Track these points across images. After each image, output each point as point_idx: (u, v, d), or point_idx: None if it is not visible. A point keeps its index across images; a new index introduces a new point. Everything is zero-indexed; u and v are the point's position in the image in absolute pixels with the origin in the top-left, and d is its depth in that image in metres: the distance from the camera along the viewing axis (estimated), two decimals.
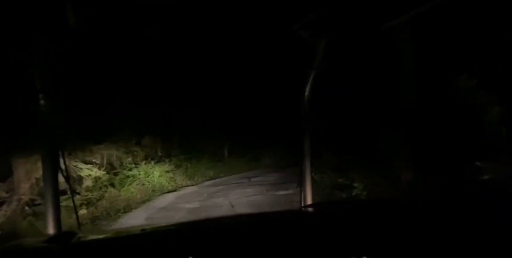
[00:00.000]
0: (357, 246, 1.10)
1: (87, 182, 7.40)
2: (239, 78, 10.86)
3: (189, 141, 12.58)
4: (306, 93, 2.11)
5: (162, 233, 1.58)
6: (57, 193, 1.86)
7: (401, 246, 1.08)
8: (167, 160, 11.11)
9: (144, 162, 10.25)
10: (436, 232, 1.11)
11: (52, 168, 1.85)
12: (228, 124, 14.31)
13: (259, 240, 1.18)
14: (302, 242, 1.15)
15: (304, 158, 2.05)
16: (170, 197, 8.86)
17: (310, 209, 2.07)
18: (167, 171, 10.36)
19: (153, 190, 9.12)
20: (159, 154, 11.56)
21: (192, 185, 10.70)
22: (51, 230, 1.81)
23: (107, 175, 8.10)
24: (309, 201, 2.01)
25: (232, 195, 8.47)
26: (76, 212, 1.97)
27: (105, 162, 8.77)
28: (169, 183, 10.03)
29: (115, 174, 8.73)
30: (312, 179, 2.14)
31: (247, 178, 11.30)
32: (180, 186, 10.40)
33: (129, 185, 8.57)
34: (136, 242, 1.36)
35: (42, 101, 1.84)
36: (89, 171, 7.54)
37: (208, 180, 11.78)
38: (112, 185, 8.19)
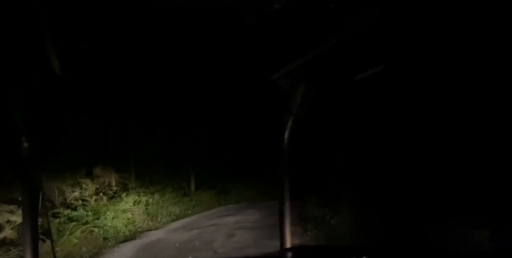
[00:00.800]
0: None
1: (6, 233, 5.57)
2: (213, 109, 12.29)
3: (149, 171, 12.60)
4: (286, 137, 2.53)
5: None
6: (37, 234, 2.15)
7: None
8: (123, 194, 10.79)
9: (94, 198, 9.75)
10: None
11: (31, 204, 2.15)
12: (194, 153, 14.80)
13: None
14: None
15: (284, 199, 2.45)
16: (128, 250, 7.36)
17: (289, 253, 2.40)
18: (124, 211, 9.90)
19: (105, 238, 8.08)
20: (114, 187, 11.17)
21: (156, 229, 10.00)
22: None
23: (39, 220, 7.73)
24: (288, 244, 2.38)
25: (215, 246, 7.02)
26: (53, 247, 2.23)
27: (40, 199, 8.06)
28: (126, 226, 9.42)
29: (54, 216, 7.56)
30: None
31: (222, 216, 11.22)
32: (140, 230, 9.73)
33: (70, 234, 7.30)
34: None
35: (25, 144, 2.14)
36: (8, 216, 5.67)
37: (174, 220, 11.41)
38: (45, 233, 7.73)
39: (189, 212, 12.78)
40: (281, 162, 2.66)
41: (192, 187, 14.80)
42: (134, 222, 9.98)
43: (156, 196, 12.07)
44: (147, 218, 10.81)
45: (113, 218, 9.20)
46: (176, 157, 13.74)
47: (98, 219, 8.69)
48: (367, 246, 2.42)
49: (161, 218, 11.34)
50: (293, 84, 2.61)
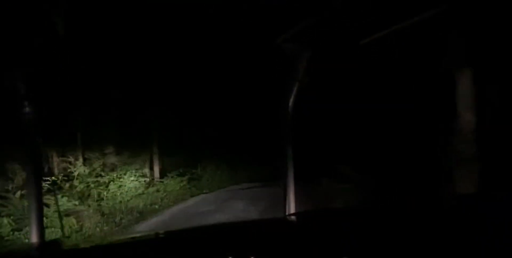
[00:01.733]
0: (340, 254, 1.53)
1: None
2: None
3: (102, 155, 12.67)
4: (290, 104, 2.96)
5: (149, 242, 2.17)
6: (41, 201, 2.56)
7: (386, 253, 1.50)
8: (67, 185, 10.17)
9: (19, 193, 8.03)
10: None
11: (35, 176, 2.50)
12: (159, 133, 14.81)
13: (244, 248, 1.67)
14: (286, 250, 1.64)
15: (287, 166, 2.90)
16: None
17: (293, 217, 2.85)
18: (62, 213, 8.72)
19: None
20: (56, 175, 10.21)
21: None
22: (34, 238, 2.45)
23: None
24: (292, 209, 2.85)
25: None
26: (61, 221, 2.61)
27: None
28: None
29: None
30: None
31: (200, 215, 10.56)
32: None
33: None
34: (122, 250, 1.92)
35: (27, 109, 2.48)
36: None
37: (138, 221, 10.42)
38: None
39: (156, 207, 11.78)
40: (285, 131, 3.08)
41: (157, 173, 14.21)
42: (81, 229, 8.19)
43: (113, 187, 11.19)
44: (101, 220, 9.30)
45: None
46: (138, 139, 13.42)
47: None
48: (368, 207, 2.87)
49: (121, 219, 10.01)
50: (298, 49, 3.00)
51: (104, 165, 12.00)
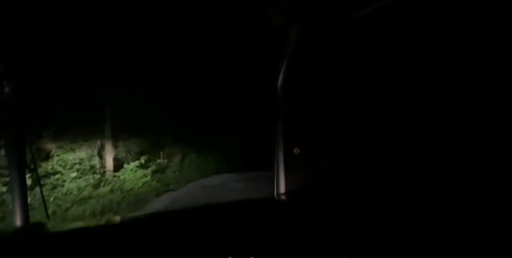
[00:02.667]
0: (331, 232, 1.58)
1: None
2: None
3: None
4: (279, 82, 2.88)
5: (130, 223, 2.17)
6: (25, 184, 2.51)
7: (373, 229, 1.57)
8: None
9: None
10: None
11: (18, 158, 2.46)
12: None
13: (236, 227, 1.70)
14: (278, 228, 1.67)
15: (278, 146, 2.84)
16: None
17: (284, 196, 2.83)
18: None
19: None
20: None
21: None
22: (18, 221, 2.43)
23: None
24: (282, 189, 2.81)
25: None
26: (45, 204, 2.59)
27: None
28: None
29: None
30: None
31: None
32: None
33: None
34: (105, 232, 1.95)
35: (6, 88, 2.42)
36: None
37: None
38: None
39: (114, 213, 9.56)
40: (276, 109, 3.01)
41: (110, 165, 10.43)
42: None
43: (44, 189, 8.14)
44: None
45: None
46: (88, 117, 10.03)
47: None
48: (355, 180, 2.85)
49: None
50: (288, 23, 2.89)
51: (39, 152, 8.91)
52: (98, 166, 9.93)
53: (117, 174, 10.17)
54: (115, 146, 10.69)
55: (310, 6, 2.86)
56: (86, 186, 8.91)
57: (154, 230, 1.82)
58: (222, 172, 16.33)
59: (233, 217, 1.94)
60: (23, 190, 2.55)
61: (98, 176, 9.62)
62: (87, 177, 9.17)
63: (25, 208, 2.53)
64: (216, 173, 16.37)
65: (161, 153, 12.76)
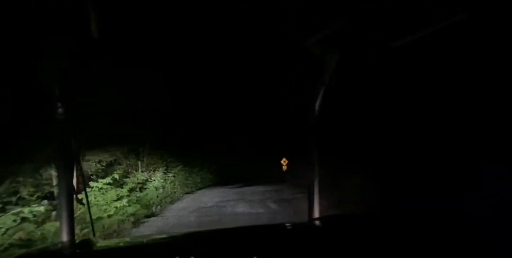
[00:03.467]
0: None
1: None
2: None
3: None
4: (316, 108, 2.94)
5: (180, 241, 2.25)
6: (72, 200, 2.61)
7: None
8: None
9: None
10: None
11: (67, 175, 2.58)
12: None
13: (269, 251, 1.73)
14: (310, 254, 1.70)
15: (313, 170, 2.89)
16: None
17: (317, 221, 2.85)
18: None
19: None
20: None
21: None
22: (64, 237, 2.53)
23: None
24: (316, 214, 2.84)
25: None
26: (91, 220, 2.70)
27: None
28: None
29: None
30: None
31: None
32: None
33: None
34: (155, 249, 2.03)
35: (60, 110, 2.56)
36: None
37: None
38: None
39: None
40: (310, 134, 3.07)
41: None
42: None
43: None
44: None
45: None
46: None
47: None
48: (391, 214, 2.86)
49: None
50: (326, 52, 2.98)
51: None
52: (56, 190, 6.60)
53: (80, 196, 6.97)
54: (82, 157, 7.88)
55: (348, 37, 2.95)
56: (19, 223, 5.47)
57: (195, 250, 1.87)
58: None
59: (266, 241, 1.95)
60: (70, 206, 2.67)
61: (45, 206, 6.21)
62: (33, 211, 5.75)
63: (72, 225, 2.64)
64: (203, 187, 17.03)
65: (140, 164, 11.30)
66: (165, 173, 13.53)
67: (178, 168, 15.35)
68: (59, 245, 2.56)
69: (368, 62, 3.41)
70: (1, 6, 2.64)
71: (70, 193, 2.66)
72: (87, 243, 2.38)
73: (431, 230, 1.92)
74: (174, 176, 14.33)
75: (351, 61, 3.13)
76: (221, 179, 20.69)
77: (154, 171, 13.03)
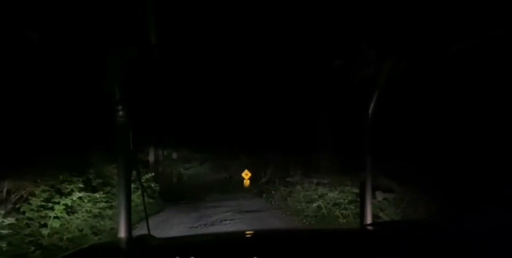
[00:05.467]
0: None
1: None
2: None
3: None
4: (370, 111, 2.91)
5: (240, 238, 2.26)
6: (129, 198, 2.70)
7: None
8: None
9: None
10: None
11: (125, 175, 2.67)
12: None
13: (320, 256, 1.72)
14: None
15: (365, 176, 2.84)
16: None
17: (370, 227, 2.80)
18: None
19: None
20: None
21: None
22: (122, 233, 2.61)
23: None
24: (369, 219, 2.79)
25: None
26: (147, 217, 2.78)
27: None
28: None
29: None
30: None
31: None
32: None
33: None
34: (215, 245, 2.05)
35: (120, 113, 2.64)
36: None
37: None
38: None
39: None
40: (364, 139, 3.03)
41: None
42: None
43: None
44: None
45: None
46: None
47: None
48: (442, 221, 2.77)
49: None
50: (380, 56, 2.94)
51: None
52: None
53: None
54: None
55: (404, 42, 2.90)
56: None
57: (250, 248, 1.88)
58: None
59: (320, 247, 1.91)
60: (128, 204, 2.76)
61: None
62: None
63: (129, 222, 2.73)
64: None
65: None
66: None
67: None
68: (118, 241, 2.65)
69: (422, 67, 3.35)
70: (66, 19, 2.77)
71: (128, 192, 2.75)
72: (144, 239, 2.44)
73: (492, 241, 1.85)
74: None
75: (405, 65, 3.07)
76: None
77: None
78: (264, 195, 16.14)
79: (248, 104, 12.80)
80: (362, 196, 3.03)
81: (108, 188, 9.66)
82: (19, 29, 2.63)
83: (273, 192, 15.13)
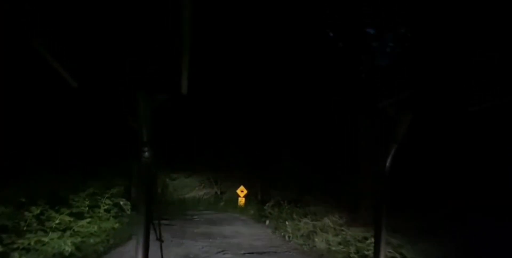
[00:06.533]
0: None
1: None
2: None
3: None
4: (387, 164, 2.97)
5: None
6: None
7: None
8: None
9: None
10: None
11: (147, 207, 2.77)
12: None
13: None
14: None
15: (380, 226, 2.90)
16: None
17: None
18: None
19: None
20: None
21: None
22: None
23: None
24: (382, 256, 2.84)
25: None
26: (161, 241, 2.86)
27: None
28: None
29: None
30: None
31: None
32: None
33: None
34: None
35: (146, 154, 2.77)
36: None
37: None
38: None
39: None
40: (381, 190, 3.09)
41: None
42: None
43: None
44: None
45: None
46: None
47: None
48: None
49: None
50: (400, 113, 3.02)
51: None
52: None
53: None
54: None
55: (423, 100, 2.97)
56: None
57: None
58: None
59: None
60: (147, 232, 2.85)
61: None
62: None
63: (147, 248, 2.81)
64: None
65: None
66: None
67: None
68: None
69: (441, 125, 3.41)
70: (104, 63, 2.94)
71: (148, 222, 2.83)
72: None
73: None
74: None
75: (425, 122, 3.14)
76: None
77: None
78: (267, 221, 12.52)
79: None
80: (377, 233, 3.06)
81: None
82: (63, 75, 2.80)
83: (287, 223, 10.62)
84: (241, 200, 16.62)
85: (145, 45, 2.70)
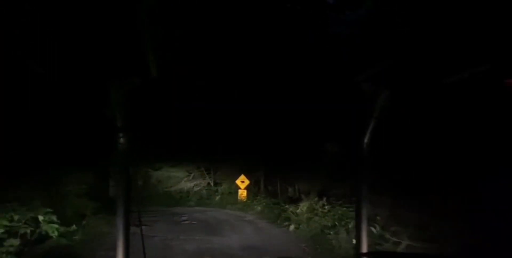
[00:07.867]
0: None
1: None
2: None
3: None
4: (366, 140, 2.94)
5: None
6: (128, 229, 2.71)
7: None
8: None
9: None
10: None
11: (125, 201, 2.70)
12: None
13: None
14: None
15: (360, 204, 2.86)
16: None
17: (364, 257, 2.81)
18: None
19: None
20: None
21: None
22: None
23: None
24: (364, 249, 2.80)
25: None
26: (143, 247, 2.80)
27: None
28: None
29: None
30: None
31: None
32: None
33: None
34: None
35: (121, 139, 2.70)
36: None
37: None
38: None
39: None
40: (360, 167, 3.05)
41: None
42: None
43: None
44: None
45: None
46: None
47: None
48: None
49: None
50: (377, 87, 2.98)
51: None
52: None
53: None
54: None
55: (400, 73, 2.93)
56: None
57: None
58: None
59: None
60: (127, 233, 2.79)
61: None
62: None
63: (127, 248, 2.76)
64: None
65: None
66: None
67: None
68: None
69: (419, 97, 3.37)
70: (73, 52, 2.83)
71: (126, 220, 2.78)
72: None
73: None
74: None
75: (401, 96, 3.10)
76: None
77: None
78: (291, 225, 8.79)
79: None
80: (358, 224, 3.03)
81: None
82: (27, 63, 2.71)
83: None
84: (242, 193, 13.34)
85: (112, 31, 2.61)
